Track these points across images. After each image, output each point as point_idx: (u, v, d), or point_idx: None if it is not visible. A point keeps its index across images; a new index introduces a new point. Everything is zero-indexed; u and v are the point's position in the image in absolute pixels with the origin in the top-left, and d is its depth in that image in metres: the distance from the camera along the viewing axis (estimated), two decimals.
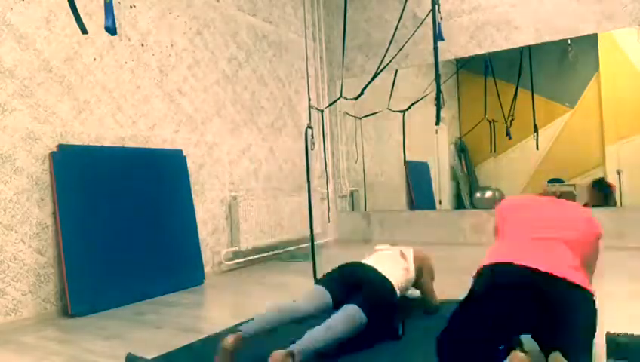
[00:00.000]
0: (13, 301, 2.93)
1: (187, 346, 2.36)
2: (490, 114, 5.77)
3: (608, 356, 1.93)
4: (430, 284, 2.67)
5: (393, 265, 2.50)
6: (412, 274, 2.59)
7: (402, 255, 2.65)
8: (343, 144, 6.24)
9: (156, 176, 3.77)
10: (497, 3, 5.16)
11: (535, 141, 5.47)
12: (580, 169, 5.20)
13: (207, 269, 4.17)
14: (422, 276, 2.66)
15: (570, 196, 5.38)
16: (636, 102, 4.87)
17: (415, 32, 4.69)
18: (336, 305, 2.18)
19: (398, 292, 2.39)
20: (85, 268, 3.15)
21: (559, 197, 2.25)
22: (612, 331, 2.10)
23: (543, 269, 1.69)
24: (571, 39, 4.95)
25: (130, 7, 3.77)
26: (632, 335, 2.09)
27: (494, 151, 5.80)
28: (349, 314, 2.07)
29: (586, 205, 2.29)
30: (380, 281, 2.33)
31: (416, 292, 2.71)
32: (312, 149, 4.27)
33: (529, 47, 5.15)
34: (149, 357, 2.21)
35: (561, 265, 1.73)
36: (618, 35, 4.88)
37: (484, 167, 5.96)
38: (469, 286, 1.89)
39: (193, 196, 4.10)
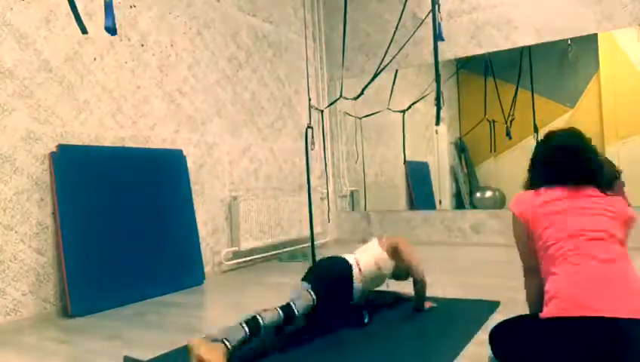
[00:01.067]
0: (13, 301, 2.93)
1: (187, 346, 2.36)
2: (490, 114, 5.77)
3: None
4: (410, 261, 2.68)
5: (363, 251, 2.71)
6: (384, 256, 2.69)
7: (365, 242, 2.86)
8: (342, 144, 6.24)
9: (156, 176, 3.77)
10: (497, 3, 5.16)
11: (535, 141, 5.47)
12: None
13: (207, 269, 4.17)
14: (400, 256, 2.72)
15: None
16: (636, 102, 4.87)
17: (415, 32, 4.69)
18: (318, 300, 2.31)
19: (356, 268, 2.53)
20: (85, 268, 3.15)
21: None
22: None
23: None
24: (571, 39, 4.95)
25: (130, 7, 3.77)
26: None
27: (494, 151, 5.80)
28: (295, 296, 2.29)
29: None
30: (337, 261, 2.57)
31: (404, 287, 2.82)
32: (312, 149, 4.28)
33: (529, 47, 5.15)
34: (148, 357, 2.21)
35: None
36: (618, 35, 4.88)
37: (484, 167, 5.96)
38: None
39: (193, 196, 4.10)
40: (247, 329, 2.01)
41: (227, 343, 1.93)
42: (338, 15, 5.94)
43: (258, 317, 2.07)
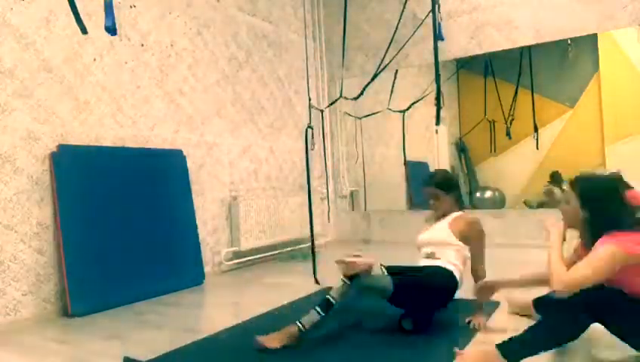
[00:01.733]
0: (13, 301, 2.93)
1: (187, 346, 2.36)
2: (490, 114, 5.77)
3: None
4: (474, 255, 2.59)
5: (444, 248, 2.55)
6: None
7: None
8: (343, 144, 6.24)
9: (156, 176, 3.77)
10: (497, 3, 5.15)
11: (535, 141, 5.48)
12: (580, 169, 5.20)
13: (207, 269, 4.17)
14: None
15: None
16: (636, 102, 4.87)
17: (415, 32, 4.69)
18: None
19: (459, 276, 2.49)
20: (85, 268, 3.15)
21: None
22: None
23: None
24: (571, 39, 4.95)
25: (130, 7, 3.77)
26: None
27: (494, 151, 5.80)
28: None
29: None
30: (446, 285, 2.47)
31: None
32: (312, 149, 4.28)
33: (529, 47, 5.15)
34: (148, 357, 2.21)
35: None
36: (618, 35, 4.88)
37: (484, 167, 5.96)
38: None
39: (193, 196, 4.10)
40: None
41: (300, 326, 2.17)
42: (338, 15, 5.94)
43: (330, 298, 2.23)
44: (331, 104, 5.19)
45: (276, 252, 5.00)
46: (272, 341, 2.19)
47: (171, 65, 4.07)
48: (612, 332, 1.88)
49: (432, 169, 6.05)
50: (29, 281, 3.01)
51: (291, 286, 3.71)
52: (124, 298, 3.31)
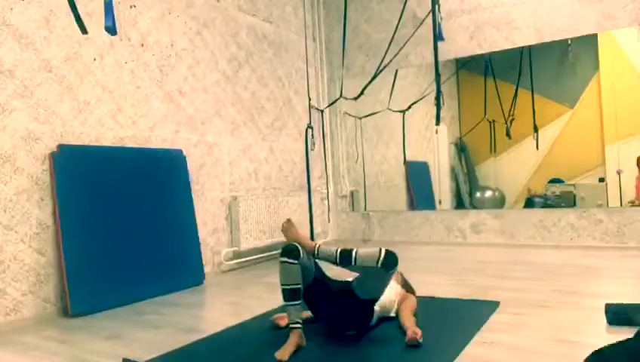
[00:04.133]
0: (14, 301, 2.93)
1: (187, 346, 2.36)
2: (490, 114, 5.77)
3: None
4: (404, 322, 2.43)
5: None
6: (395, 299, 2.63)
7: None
8: (343, 144, 6.24)
9: (156, 176, 3.77)
10: (497, 3, 5.16)
11: (535, 141, 5.47)
12: (580, 169, 5.20)
13: (207, 269, 4.17)
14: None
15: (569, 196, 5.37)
16: (636, 102, 4.87)
17: (415, 32, 4.69)
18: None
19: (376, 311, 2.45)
20: (85, 268, 3.15)
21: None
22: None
23: None
24: (571, 39, 4.95)
25: (130, 7, 3.77)
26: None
27: (494, 151, 5.79)
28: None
29: None
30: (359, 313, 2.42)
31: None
32: (312, 149, 4.29)
33: (529, 47, 5.15)
34: (147, 358, 2.21)
35: None
36: (618, 35, 4.88)
37: (484, 167, 5.95)
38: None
39: (193, 196, 4.10)
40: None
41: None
42: (338, 15, 5.95)
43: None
44: (331, 104, 5.20)
45: (276, 252, 4.99)
46: (284, 353, 2.10)
47: (171, 66, 4.07)
48: None
49: (432, 169, 6.05)
50: (29, 281, 3.01)
51: None
52: (124, 298, 3.31)
